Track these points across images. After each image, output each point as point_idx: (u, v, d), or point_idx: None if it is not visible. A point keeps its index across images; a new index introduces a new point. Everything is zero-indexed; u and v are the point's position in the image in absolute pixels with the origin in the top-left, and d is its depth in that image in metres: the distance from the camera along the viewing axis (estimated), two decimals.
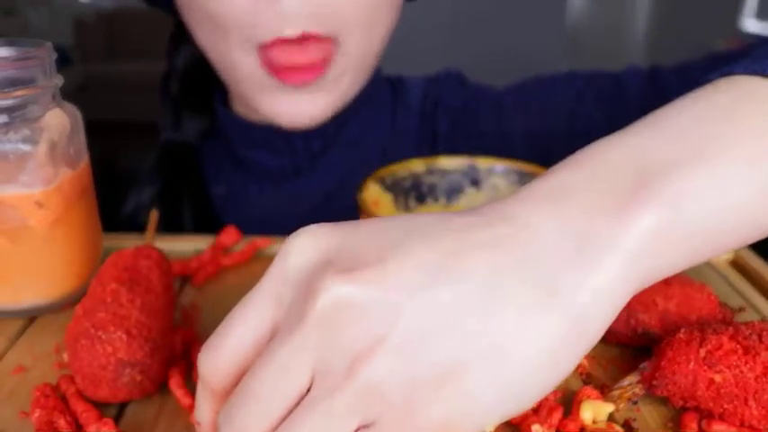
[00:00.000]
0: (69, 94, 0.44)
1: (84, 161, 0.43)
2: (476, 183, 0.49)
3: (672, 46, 2.82)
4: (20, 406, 0.33)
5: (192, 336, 0.38)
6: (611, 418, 0.33)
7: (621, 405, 0.33)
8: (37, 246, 0.40)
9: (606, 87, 0.60)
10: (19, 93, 0.37)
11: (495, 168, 0.49)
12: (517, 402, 0.24)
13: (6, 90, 0.37)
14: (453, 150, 0.57)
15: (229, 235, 0.50)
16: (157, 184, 0.63)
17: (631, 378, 0.34)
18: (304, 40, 0.48)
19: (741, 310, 0.42)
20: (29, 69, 0.38)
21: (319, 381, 0.22)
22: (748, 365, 0.31)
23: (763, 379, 0.31)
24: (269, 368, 0.23)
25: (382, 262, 0.22)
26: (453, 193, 0.49)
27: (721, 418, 0.32)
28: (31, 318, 0.41)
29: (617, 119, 0.60)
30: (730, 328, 0.33)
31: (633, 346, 0.38)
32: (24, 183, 0.38)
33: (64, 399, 0.33)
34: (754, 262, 0.48)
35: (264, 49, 0.49)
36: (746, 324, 0.33)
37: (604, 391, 0.34)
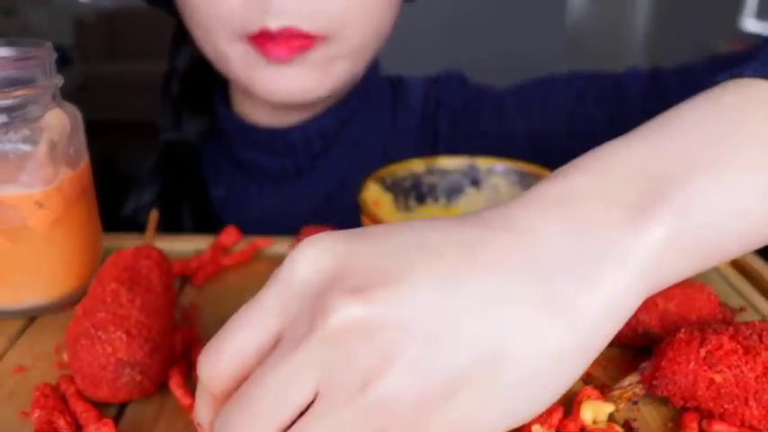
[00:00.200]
0: (69, 94, 0.44)
1: (84, 161, 0.43)
2: (476, 183, 0.49)
3: (672, 46, 2.82)
4: (20, 406, 0.33)
5: (192, 336, 0.38)
6: (611, 418, 0.33)
7: (622, 405, 0.33)
8: (37, 246, 0.40)
9: (607, 88, 0.60)
10: (19, 93, 0.37)
11: (495, 168, 0.49)
12: (524, 411, 0.24)
13: (6, 90, 0.37)
14: (454, 151, 0.57)
15: (229, 235, 0.50)
16: (158, 184, 0.63)
17: (631, 378, 0.34)
18: (284, 32, 0.49)
19: (741, 310, 0.42)
20: (29, 69, 0.38)
21: (325, 395, 0.22)
22: (749, 365, 0.31)
23: (764, 379, 0.31)
24: (272, 378, 0.23)
25: (393, 281, 0.22)
26: (453, 193, 0.49)
27: (722, 418, 0.32)
28: (31, 318, 0.41)
29: (618, 120, 0.60)
30: (730, 328, 0.33)
31: (633, 346, 0.38)
32: (24, 183, 0.38)
33: (63, 399, 0.33)
34: (755, 262, 0.48)
35: (252, 37, 0.51)
36: (747, 324, 0.33)
37: (604, 392, 0.34)
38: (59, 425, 0.31)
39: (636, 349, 0.38)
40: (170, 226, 0.60)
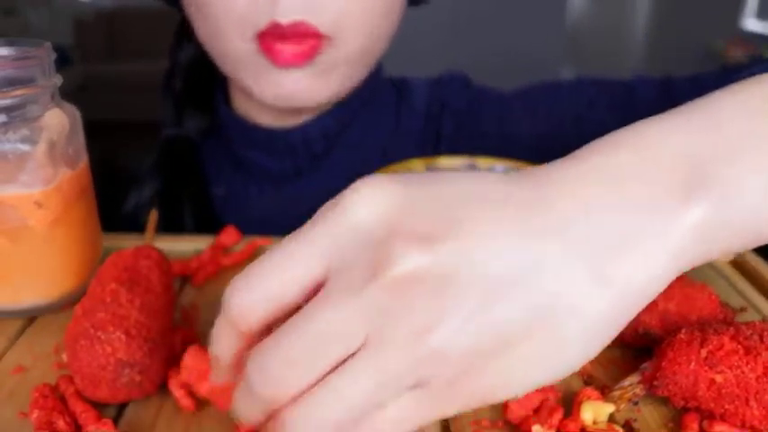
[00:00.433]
0: (69, 94, 0.44)
1: (84, 161, 0.43)
2: None
3: (672, 46, 2.82)
4: (19, 406, 0.33)
5: (192, 336, 0.38)
6: (611, 418, 0.33)
7: (622, 405, 0.33)
8: (36, 246, 0.40)
9: (618, 94, 0.60)
10: (18, 92, 0.37)
11: (496, 168, 0.49)
12: (561, 369, 0.25)
13: (5, 90, 0.37)
14: (456, 152, 0.57)
15: (229, 235, 0.50)
16: (158, 182, 0.63)
17: (632, 378, 0.34)
18: (296, 28, 0.49)
19: (742, 310, 0.42)
20: (28, 69, 0.38)
21: (374, 344, 0.22)
22: (749, 366, 0.31)
23: (765, 379, 0.31)
24: (319, 324, 0.22)
25: (458, 232, 0.22)
26: None
27: (722, 418, 0.32)
28: (30, 318, 0.41)
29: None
30: (731, 329, 0.33)
31: (634, 346, 0.38)
32: (24, 183, 0.38)
33: (63, 399, 0.33)
34: (756, 262, 0.48)
35: (261, 35, 0.50)
36: (747, 324, 0.33)
37: (605, 392, 0.34)
38: (59, 425, 0.31)
39: (636, 350, 0.38)
40: (170, 224, 0.60)
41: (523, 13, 2.81)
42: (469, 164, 0.49)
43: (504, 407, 0.33)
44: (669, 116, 0.27)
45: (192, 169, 0.64)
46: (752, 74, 0.29)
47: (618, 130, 0.26)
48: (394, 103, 0.65)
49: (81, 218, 0.42)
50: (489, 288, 0.22)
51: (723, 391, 0.31)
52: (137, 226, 0.54)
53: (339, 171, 0.61)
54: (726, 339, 0.32)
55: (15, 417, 0.33)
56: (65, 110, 0.41)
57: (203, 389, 0.31)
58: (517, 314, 0.23)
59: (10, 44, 0.39)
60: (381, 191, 0.23)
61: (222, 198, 0.64)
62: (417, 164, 0.48)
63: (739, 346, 0.31)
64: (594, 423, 0.32)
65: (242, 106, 0.62)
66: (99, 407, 0.33)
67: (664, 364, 0.33)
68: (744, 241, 0.26)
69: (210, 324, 0.41)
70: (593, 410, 0.32)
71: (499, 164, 0.49)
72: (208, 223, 0.61)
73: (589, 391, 0.33)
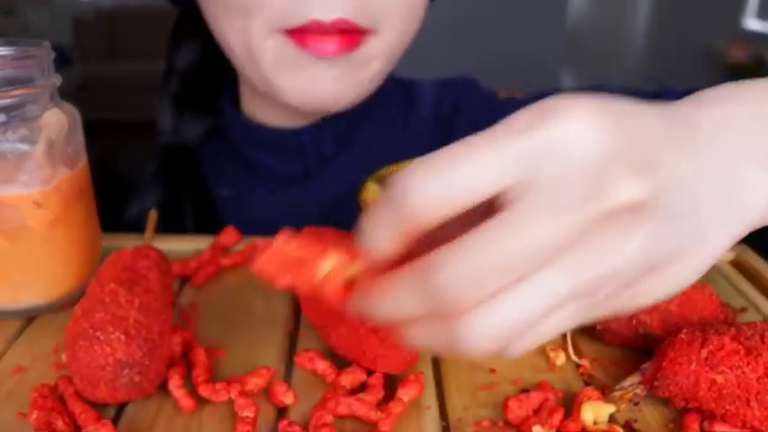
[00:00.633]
0: (68, 93, 0.44)
1: (83, 161, 0.42)
2: None
3: (672, 46, 2.82)
4: (18, 407, 0.33)
5: (191, 336, 0.38)
6: (612, 419, 0.32)
7: (623, 406, 0.33)
8: (36, 246, 0.39)
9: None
10: (17, 92, 0.37)
11: None
12: (684, 285, 0.26)
13: (5, 89, 0.37)
14: None
15: (229, 235, 0.50)
16: (159, 188, 0.62)
17: (633, 379, 0.34)
18: (337, 25, 0.47)
19: (743, 310, 0.41)
20: (27, 69, 0.38)
21: (570, 262, 0.23)
22: (750, 366, 0.31)
23: (766, 380, 0.30)
24: (524, 238, 0.22)
25: (667, 161, 0.24)
26: None
27: (723, 419, 0.32)
28: (29, 318, 0.41)
29: None
30: (732, 329, 0.32)
31: (634, 347, 0.38)
32: (23, 182, 0.38)
33: (62, 399, 0.33)
34: (757, 262, 0.48)
35: (294, 31, 0.48)
36: (748, 325, 0.33)
37: (605, 392, 0.34)
38: (58, 426, 0.31)
39: (637, 350, 0.38)
40: (172, 228, 0.60)
41: (523, 14, 2.81)
42: None
43: (504, 407, 0.33)
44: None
45: (192, 173, 0.64)
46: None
47: (727, 86, 0.28)
48: (402, 104, 0.64)
49: (80, 218, 0.42)
50: (676, 211, 0.24)
51: (724, 391, 0.31)
52: (140, 231, 0.53)
53: (347, 173, 0.60)
54: (727, 340, 0.32)
55: (14, 417, 0.33)
56: (64, 110, 0.41)
57: (285, 280, 0.28)
58: (689, 236, 0.25)
59: (9, 44, 0.39)
60: (594, 116, 0.23)
61: (226, 199, 0.63)
62: None
63: (740, 347, 0.31)
64: (595, 423, 0.32)
65: (251, 107, 0.61)
66: (98, 407, 0.33)
67: (664, 364, 0.33)
68: None
69: (210, 325, 0.41)
70: (594, 411, 0.32)
71: None
72: (209, 225, 0.61)
73: (589, 391, 0.33)
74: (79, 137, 0.42)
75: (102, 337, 0.32)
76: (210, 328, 0.41)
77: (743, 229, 0.27)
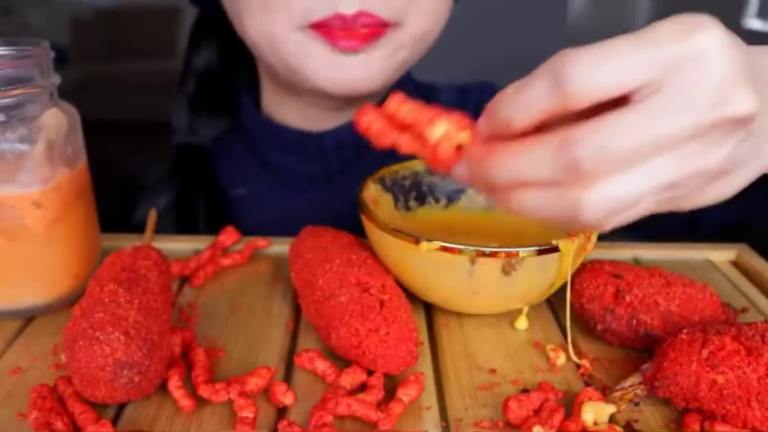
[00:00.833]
0: (68, 93, 0.43)
1: (83, 161, 0.42)
2: None
3: None
4: (17, 407, 0.33)
5: (191, 336, 0.38)
6: (612, 419, 0.32)
7: (623, 406, 0.33)
8: (35, 246, 0.39)
9: None
10: (16, 92, 0.37)
11: None
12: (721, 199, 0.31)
13: (4, 89, 0.37)
14: None
15: (228, 235, 0.50)
16: (173, 190, 0.62)
17: (633, 379, 0.34)
18: (359, 19, 0.47)
19: (744, 310, 0.41)
20: (26, 68, 0.38)
21: (686, 151, 0.26)
22: (751, 366, 0.31)
23: (767, 380, 0.30)
24: (663, 127, 0.25)
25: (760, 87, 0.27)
26: (454, 192, 0.49)
27: (724, 419, 0.31)
28: (28, 318, 0.41)
29: None
30: (733, 329, 0.32)
31: (635, 347, 0.38)
32: (22, 182, 0.38)
33: (61, 400, 0.33)
34: (758, 263, 0.48)
35: (318, 24, 0.48)
36: (749, 325, 0.33)
37: (606, 393, 0.34)
38: (57, 426, 0.31)
39: (637, 350, 0.38)
40: (184, 228, 0.59)
41: (524, 13, 2.81)
42: None
43: (504, 407, 0.32)
44: None
45: (207, 172, 0.63)
46: None
47: None
48: None
49: (80, 218, 0.42)
50: (754, 132, 0.28)
51: (725, 391, 0.31)
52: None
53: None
54: (727, 340, 0.32)
55: (13, 418, 0.32)
56: (63, 109, 0.41)
57: (389, 140, 0.30)
58: (750, 155, 0.29)
59: (8, 43, 0.39)
60: (729, 36, 0.26)
61: (243, 198, 0.62)
62: (418, 163, 0.48)
63: (741, 347, 0.31)
64: (595, 424, 0.32)
65: (272, 107, 0.60)
66: (98, 407, 0.33)
67: (665, 364, 0.32)
68: None
69: (209, 324, 0.41)
70: (594, 411, 0.32)
71: None
72: (223, 225, 0.60)
73: (590, 391, 0.33)
74: (78, 137, 0.42)
75: (101, 338, 0.32)
76: (210, 328, 0.40)
77: None
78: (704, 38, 0.26)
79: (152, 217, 0.47)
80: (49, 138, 0.39)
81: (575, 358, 0.37)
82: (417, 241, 0.37)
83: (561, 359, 0.37)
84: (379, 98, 0.56)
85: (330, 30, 0.48)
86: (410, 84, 0.62)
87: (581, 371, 0.37)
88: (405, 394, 0.33)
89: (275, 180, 0.61)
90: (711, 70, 0.26)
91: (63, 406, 0.32)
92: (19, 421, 0.32)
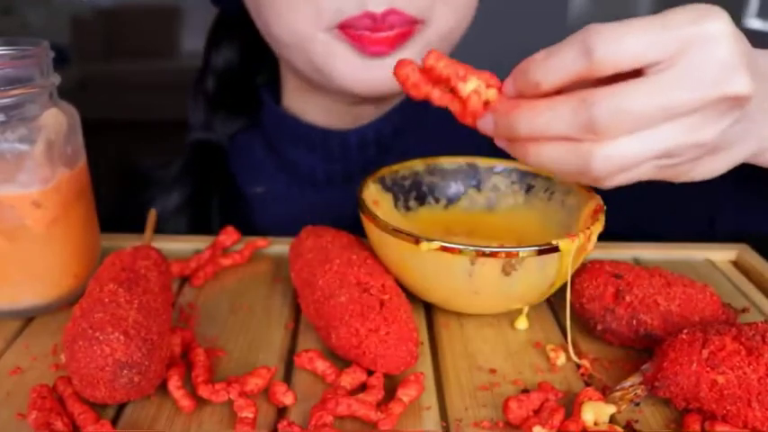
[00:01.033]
0: (68, 93, 0.43)
1: (82, 161, 0.42)
2: (476, 182, 0.49)
3: None
4: (17, 407, 0.33)
5: (191, 336, 0.38)
6: (612, 419, 0.32)
7: (623, 406, 0.33)
8: (35, 246, 0.39)
9: None
10: (16, 92, 0.37)
11: (496, 168, 0.49)
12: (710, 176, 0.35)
13: (3, 89, 0.36)
14: None
15: (228, 235, 0.50)
16: (188, 187, 0.61)
17: (633, 379, 0.34)
18: (389, 16, 0.47)
19: (744, 310, 0.41)
20: (26, 68, 0.38)
21: (688, 124, 0.30)
22: (752, 366, 0.31)
23: (767, 380, 0.30)
24: (673, 97, 0.29)
25: (756, 85, 0.30)
26: (453, 193, 0.49)
27: (724, 419, 0.31)
28: (28, 318, 0.41)
29: None
30: (733, 329, 0.32)
31: (635, 347, 0.38)
32: (22, 182, 0.38)
33: (61, 400, 0.33)
34: (758, 263, 0.48)
35: (345, 24, 0.48)
36: (750, 325, 0.33)
37: (606, 393, 0.34)
38: (57, 426, 0.31)
39: (637, 350, 0.38)
40: (197, 227, 0.59)
41: (524, 13, 2.81)
42: (469, 164, 0.49)
43: (504, 407, 0.32)
44: None
45: (221, 172, 0.63)
46: None
47: None
48: (443, 114, 0.63)
49: (79, 218, 0.42)
50: (745, 116, 0.32)
51: (725, 392, 0.31)
52: (162, 232, 0.52)
53: None
54: (728, 340, 0.32)
55: (13, 418, 0.32)
56: (63, 109, 0.41)
57: (424, 91, 0.34)
58: (740, 137, 0.33)
59: (8, 43, 0.39)
60: (734, 28, 0.30)
61: (258, 198, 0.62)
62: (418, 163, 0.48)
63: (741, 347, 0.31)
64: (596, 424, 0.32)
65: (294, 105, 0.60)
66: (97, 408, 0.33)
67: (665, 364, 0.32)
68: None
69: (209, 324, 0.41)
70: (595, 411, 0.32)
71: (499, 163, 0.48)
72: (237, 224, 0.60)
73: (590, 391, 0.33)
74: (78, 136, 0.42)
75: (101, 338, 0.32)
76: (210, 328, 0.40)
77: (760, 147, 0.35)
78: (714, 25, 0.29)
79: (152, 217, 0.47)
80: (49, 138, 0.39)
81: (575, 358, 0.37)
82: (417, 241, 0.37)
83: (561, 359, 0.37)
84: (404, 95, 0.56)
85: (359, 34, 0.48)
86: None
87: (581, 371, 0.37)
88: (405, 394, 0.33)
89: (293, 179, 0.61)
90: (718, 53, 0.29)
91: (63, 406, 0.32)
92: (19, 421, 0.32)
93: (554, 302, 0.43)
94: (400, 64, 0.34)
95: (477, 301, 0.40)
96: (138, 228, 0.47)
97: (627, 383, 0.34)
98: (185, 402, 0.33)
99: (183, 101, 0.67)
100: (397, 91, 0.52)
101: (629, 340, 0.38)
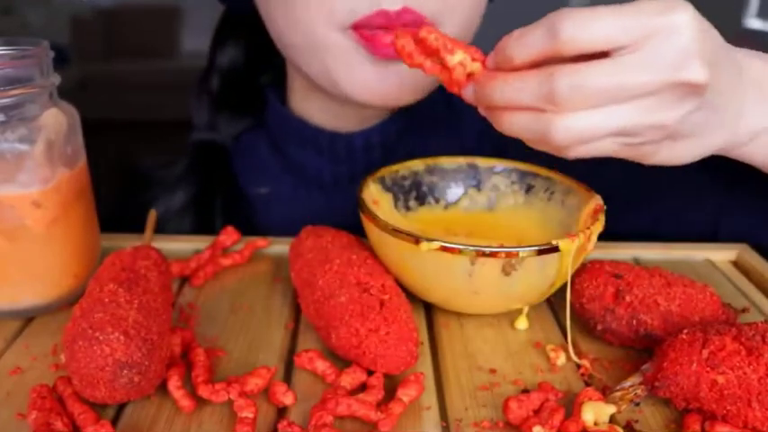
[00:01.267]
0: (68, 93, 0.43)
1: (82, 161, 0.42)
2: (476, 183, 0.49)
3: None
4: (17, 407, 0.33)
5: (191, 336, 0.38)
6: (612, 419, 0.32)
7: (623, 406, 0.33)
8: (35, 246, 0.39)
9: None
10: (16, 92, 0.37)
11: (496, 168, 0.49)
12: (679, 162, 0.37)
13: (3, 89, 0.36)
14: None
15: (228, 235, 0.50)
16: (192, 187, 0.61)
17: (633, 379, 0.34)
18: (403, 15, 0.47)
19: (744, 310, 0.41)
20: (26, 68, 0.38)
21: (646, 104, 0.32)
22: (752, 366, 0.31)
23: (767, 380, 0.30)
24: (630, 76, 0.31)
25: (720, 77, 0.34)
26: (453, 193, 0.49)
27: (724, 419, 0.31)
28: (28, 318, 0.41)
29: None
30: (733, 329, 0.32)
31: (635, 347, 0.38)
32: (22, 182, 0.38)
33: (61, 400, 0.33)
34: (758, 263, 0.48)
35: (358, 25, 0.47)
36: (750, 325, 0.33)
37: (606, 393, 0.34)
38: (57, 426, 0.31)
39: (637, 350, 0.38)
40: (200, 227, 0.59)
41: (524, 13, 2.81)
42: (469, 164, 0.49)
43: (504, 407, 0.32)
44: None
45: (225, 172, 0.62)
46: None
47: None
48: (446, 116, 0.63)
49: (79, 218, 0.42)
50: (716, 102, 0.34)
51: (725, 392, 0.31)
52: (165, 232, 0.52)
53: None
54: (728, 340, 0.32)
55: (13, 418, 0.32)
56: (63, 109, 0.41)
57: (417, 61, 0.37)
58: (706, 127, 0.35)
59: (8, 43, 0.39)
60: (698, 18, 0.32)
61: (262, 198, 0.62)
62: (418, 163, 0.48)
63: (741, 347, 0.31)
64: (596, 424, 0.32)
65: (300, 106, 0.60)
66: (97, 408, 0.33)
67: (665, 364, 0.32)
68: None
69: (209, 324, 0.41)
70: (595, 411, 0.32)
71: (499, 164, 0.48)
72: (240, 224, 0.60)
73: (590, 391, 0.33)
74: (78, 137, 0.42)
75: (101, 338, 0.32)
76: (210, 328, 0.40)
77: (731, 142, 0.38)
78: (680, 16, 0.31)
79: (151, 217, 0.47)
80: (49, 138, 0.39)
81: (575, 358, 0.37)
82: (417, 241, 0.37)
83: (561, 359, 0.37)
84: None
85: (372, 34, 0.47)
86: (437, 92, 0.61)
87: (581, 371, 0.37)
88: (405, 394, 0.33)
89: (297, 180, 0.61)
90: (679, 41, 0.31)
91: (63, 406, 0.32)
92: (19, 421, 0.32)
93: (554, 302, 0.43)
94: (399, 33, 0.37)
95: (477, 301, 0.40)
96: (139, 228, 0.47)
97: (627, 383, 0.34)
98: (185, 402, 0.33)
99: (184, 101, 0.67)
100: (407, 102, 0.52)
101: (629, 340, 0.38)
